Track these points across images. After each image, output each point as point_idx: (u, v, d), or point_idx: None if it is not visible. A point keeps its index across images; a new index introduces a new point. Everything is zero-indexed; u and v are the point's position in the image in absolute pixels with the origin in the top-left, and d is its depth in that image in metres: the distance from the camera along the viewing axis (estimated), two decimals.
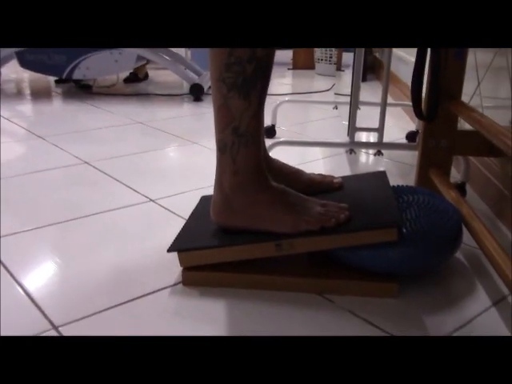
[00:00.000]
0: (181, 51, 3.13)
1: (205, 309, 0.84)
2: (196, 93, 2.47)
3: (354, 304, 0.85)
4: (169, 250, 0.90)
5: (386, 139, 1.47)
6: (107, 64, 2.45)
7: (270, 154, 1.10)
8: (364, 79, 3.07)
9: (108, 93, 2.63)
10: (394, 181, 1.42)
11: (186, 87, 2.67)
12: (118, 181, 1.39)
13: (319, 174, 1.06)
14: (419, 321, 0.81)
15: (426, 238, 0.88)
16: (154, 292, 0.88)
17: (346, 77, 3.29)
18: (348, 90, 1.58)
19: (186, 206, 1.17)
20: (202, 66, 2.79)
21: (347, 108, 1.59)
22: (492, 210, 1.23)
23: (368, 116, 1.99)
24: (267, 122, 1.85)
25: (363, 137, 1.93)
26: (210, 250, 0.88)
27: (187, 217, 1.02)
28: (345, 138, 1.46)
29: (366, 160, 1.65)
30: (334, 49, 3.28)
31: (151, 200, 1.27)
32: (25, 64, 2.49)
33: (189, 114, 2.22)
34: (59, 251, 1.01)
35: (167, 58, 2.63)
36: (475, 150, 1.19)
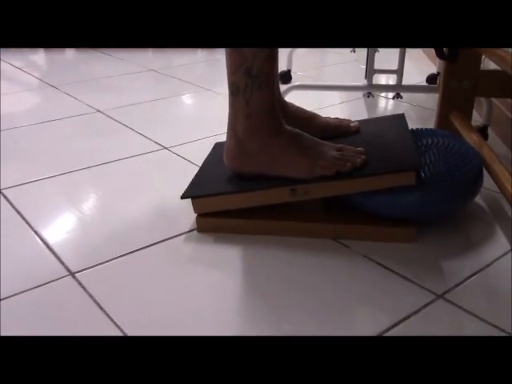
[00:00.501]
0: None
1: (219, 255, 0.84)
2: None
3: (370, 249, 0.84)
4: (182, 197, 0.89)
5: (405, 82, 1.42)
6: None
7: (286, 99, 1.07)
8: None
9: None
10: (413, 125, 1.38)
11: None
12: (131, 129, 1.37)
13: (335, 118, 1.03)
14: (436, 265, 0.80)
15: (445, 181, 0.85)
16: (168, 239, 0.88)
17: None
18: None
19: (200, 154, 1.16)
20: None
21: (365, 51, 1.54)
22: None
23: (387, 59, 1.92)
24: (283, 67, 1.80)
25: (383, 81, 1.87)
26: (224, 196, 0.87)
27: (201, 164, 1.01)
28: (362, 82, 1.41)
29: (385, 104, 1.61)
30: None
31: (165, 148, 1.25)
32: None
33: (202, 61, 2.17)
34: (74, 199, 1.01)
35: None
36: (499, 90, 1.14)
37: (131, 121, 1.43)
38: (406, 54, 2.18)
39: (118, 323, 0.69)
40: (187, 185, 0.93)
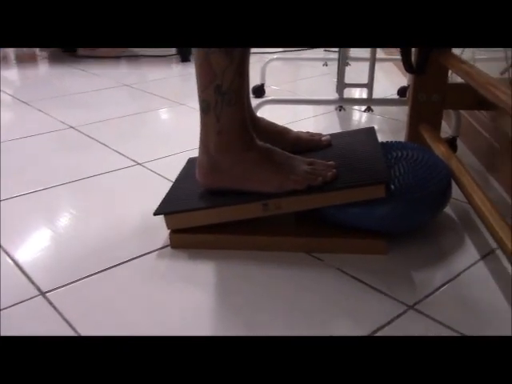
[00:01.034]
0: None
1: (193, 270, 0.84)
2: (183, 53, 2.41)
3: (342, 262, 0.85)
4: (155, 213, 0.89)
5: (377, 95, 1.44)
6: None
7: (258, 114, 1.08)
8: None
9: (94, 55, 2.56)
10: (385, 138, 1.40)
11: (173, 48, 2.60)
12: (104, 145, 1.37)
13: (307, 132, 1.04)
14: (407, 276, 0.81)
15: (415, 193, 0.87)
16: (141, 255, 0.87)
17: None
18: None
19: (174, 169, 1.16)
20: None
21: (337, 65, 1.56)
22: (482, 163, 1.22)
23: (360, 72, 1.95)
24: (256, 81, 1.82)
25: (356, 94, 1.90)
26: (197, 211, 0.87)
27: (174, 179, 1.01)
28: (334, 95, 1.43)
29: (358, 117, 1.63)
30: None
31: (138, 163, 1.25)
32: None
33: (176, 75, 2.18)
34: (45, 217, 1.00)
35: None
36: (466, 103, 1.17)
37: (104, 136, 1.43)
38: (378, 67, 2.21)
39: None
40: (160, 201, 0.93)
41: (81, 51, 2.63)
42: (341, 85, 1.39)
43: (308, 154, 0.97)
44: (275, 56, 2.37)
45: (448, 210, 1.01)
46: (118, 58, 2.54)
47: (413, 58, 1.12)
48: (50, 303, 0.76)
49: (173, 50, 2.58)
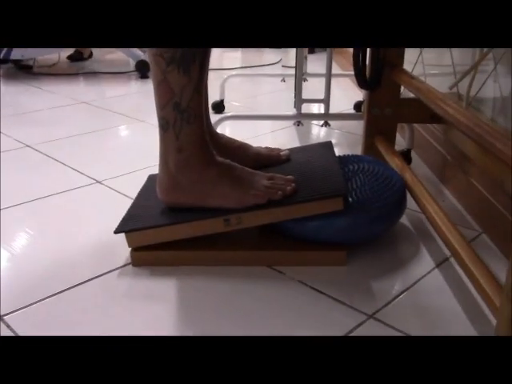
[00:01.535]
0: None
1: (156, 288, 0.83)
2: (142, 70, 2.41)
3: (304, 274, 0.86)
4: (116, 231, 0.89)
5: (334, 110, 1.48)
6: None
7: (218, 129, 1.09)
8: (312, 51, 3.07)
9: (50, 73, 2.53)
10: (343, 151, 1.44)
11: (132, 64, 2.60)
12: (62, 163, 1.35)
13: (266, 148, 1.06)
14: (366, 286, 0.83)
15: (371, 205, 0.89)
16: (102, 274, 0.86)
17: (294, 49, 3.28)
18: None
19: (134, 186, 1.15)
20: None
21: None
22: (436, 175, 1.27)
23: (317, 88, 2.00)
24: (216, 96, 1.83)
25: (314, 109, 1.94)
26: (158, 228, 0.87)
27: (135, 197, 1.01)
28: (292, 111, 1.46)
29: (316, 132, 1.67)
30: None
31: (98, 181, 1.24)
32: None
33: (135, 92, 2.17)
34: (4, 238, 0.98)
35: None
36: (418, 117, 1.22)
37: (62, 155, 1.41)
38: (335, 83, 2.27)
39: None
40: (121, 218, 0.93)
41: (36, 68, 2.59)
42: (298, 100, 1.42)
43: (267, 169, 0.99)
44: (234, 72, 2.39)
45: (404, 220, 1.04)
46: (75, 75, 2.52)
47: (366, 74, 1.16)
48: (8, 326, 0.74)
49: (131, 67, 2.57)
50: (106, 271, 0.87)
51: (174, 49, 0.80)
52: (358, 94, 2.06)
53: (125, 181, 1.24)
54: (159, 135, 0.87)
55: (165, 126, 0.85)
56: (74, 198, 1.15)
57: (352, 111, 1.86)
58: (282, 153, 1.04)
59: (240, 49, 3.37)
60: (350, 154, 1.08)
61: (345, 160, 1.04)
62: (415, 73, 1.39)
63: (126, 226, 0.89)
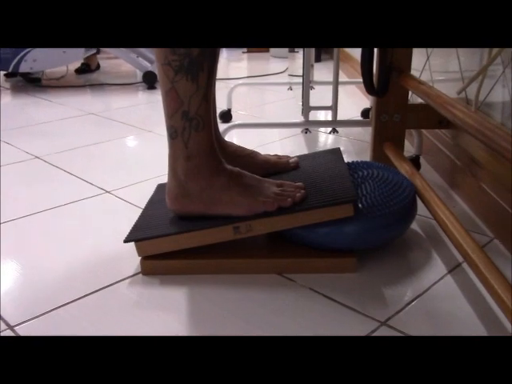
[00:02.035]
0: None
1: (166, 297, 0.83)
2: (149, 81, 2.43)
3: (314, 281, 0.86)
4: (126, 241, 0.89)
5: (341, 117, 1.48)
6: (55, 55, 2.38)
7: (226, 138, 1.09)
8: (318, 59, 3.08)
9: (58, 85, 2.55)
10: (351, 158, 1.43)
11: (139, 76, 2.61)
12: (71, 174, 1.35)
13: (274, 155, 1.06)
14: (378, 293, 0.83)
15: (381, 211, 0.89)
16: (112, 284, 0.86)
17: (300, 58, 3.29)
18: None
19: (143, 196, 1.16)
20: (154, 53, 2.74)
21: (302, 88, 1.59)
22: (446, 180, 1.26)
23: (324, 96, 2.00)
24: (223, 106, 1.84)
25: (321, 117, 1.94)
26: (167, 237, 0.87)
27: (144, 206, 1.01)
28: (300, 118, 1.46)
29: (324, 139, 1.66)
30: None
31: (107, 191, 1.24)
32: None
33: (143, 103, 2.18)
34: (14, 249, 0.98)
35: None
36: (426, 122, 1.21)
37: (71, 166, 1.41)
38: (342, 90, 2.27)
39: None
40: (130, 228, 0.93)
41: (44, 81, 2.62)
42: (306, 108, 1.42)
43: (276, 176, 0.99)
44: (240, 82, 2.40)
45: (414, 226, 1.03)
46: (83, 86, 2.54)
47: (374, 81, 1.16)
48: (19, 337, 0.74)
49: (139, 78, 2.59)
50: (116, 280, 0.87)
51: (182, 57, 0.80)
52: (365, 102, 2.06)
53: (134, 190, 1.24)
54: (168, 144, 0.87)
55: (173, 135, 0.85)
56: (84, 208, 1.15)
57: (359, 118, 1.86)
58: (290, 160, 1.04)
59: (246, 58, 3.39)
60: (359, 160, 1.08)
61: (354, 166, 1.03)
62: (423, 79, 1.39)
63: (135, 235, 0.89)
